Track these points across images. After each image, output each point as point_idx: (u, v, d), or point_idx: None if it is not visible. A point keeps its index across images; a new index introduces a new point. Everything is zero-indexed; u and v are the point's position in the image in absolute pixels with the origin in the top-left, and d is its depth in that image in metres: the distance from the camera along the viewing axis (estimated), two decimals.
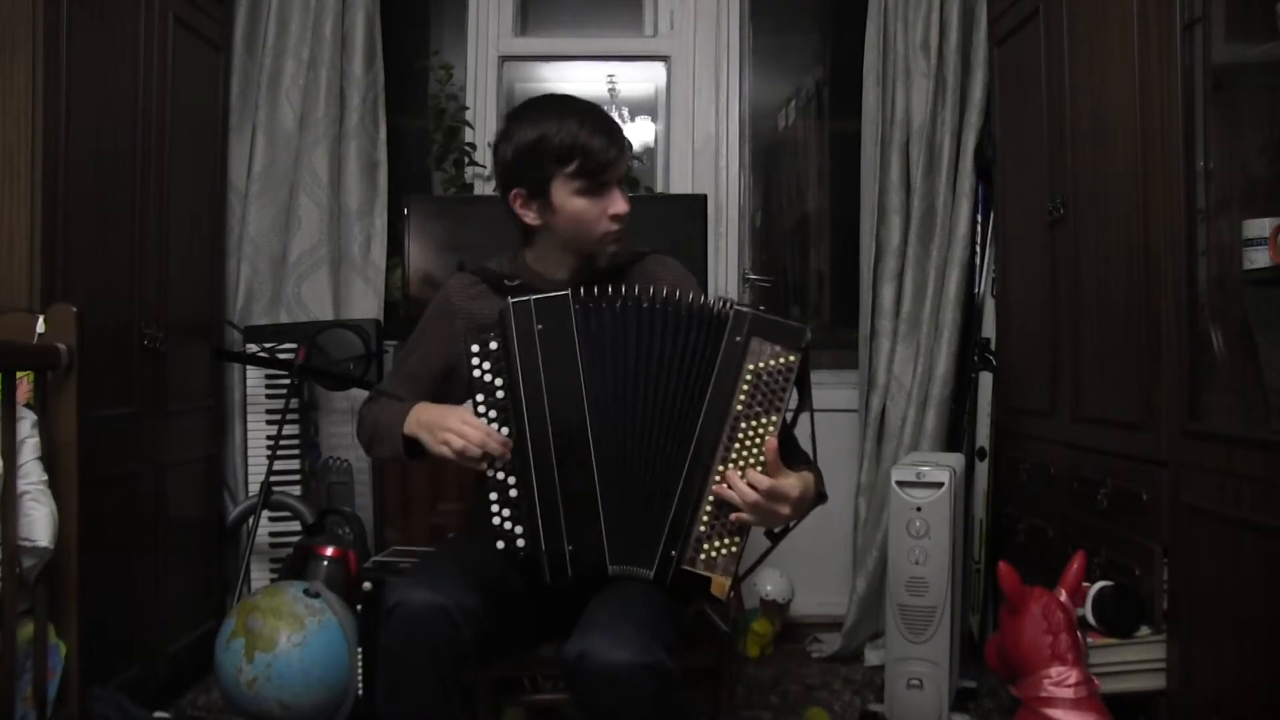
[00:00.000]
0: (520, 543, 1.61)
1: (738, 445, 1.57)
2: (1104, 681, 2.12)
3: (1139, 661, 2.16)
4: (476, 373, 1.63)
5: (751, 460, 1.57)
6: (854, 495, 3.26)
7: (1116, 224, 2.36)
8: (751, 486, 1.56)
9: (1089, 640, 2.17)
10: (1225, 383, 2.09)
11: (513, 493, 1.61)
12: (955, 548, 2.57)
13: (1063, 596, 2.16)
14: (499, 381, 1.62)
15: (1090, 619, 2.19)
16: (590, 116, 1.72)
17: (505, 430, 1.62)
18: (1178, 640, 2.12)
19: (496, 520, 1.62)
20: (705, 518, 1.58)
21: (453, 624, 1.49)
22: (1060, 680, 2.07)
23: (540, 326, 1.61)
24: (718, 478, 1.57)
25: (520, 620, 1.70)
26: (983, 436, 3.15)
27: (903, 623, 2.53)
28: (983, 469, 3.12)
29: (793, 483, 1.59)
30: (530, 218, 1.76)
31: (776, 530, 1.66)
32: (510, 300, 1.63)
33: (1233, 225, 2.08)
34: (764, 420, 1.57)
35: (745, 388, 1.56)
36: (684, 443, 1.59)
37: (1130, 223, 2.29)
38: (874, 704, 2.73)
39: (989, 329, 3.18)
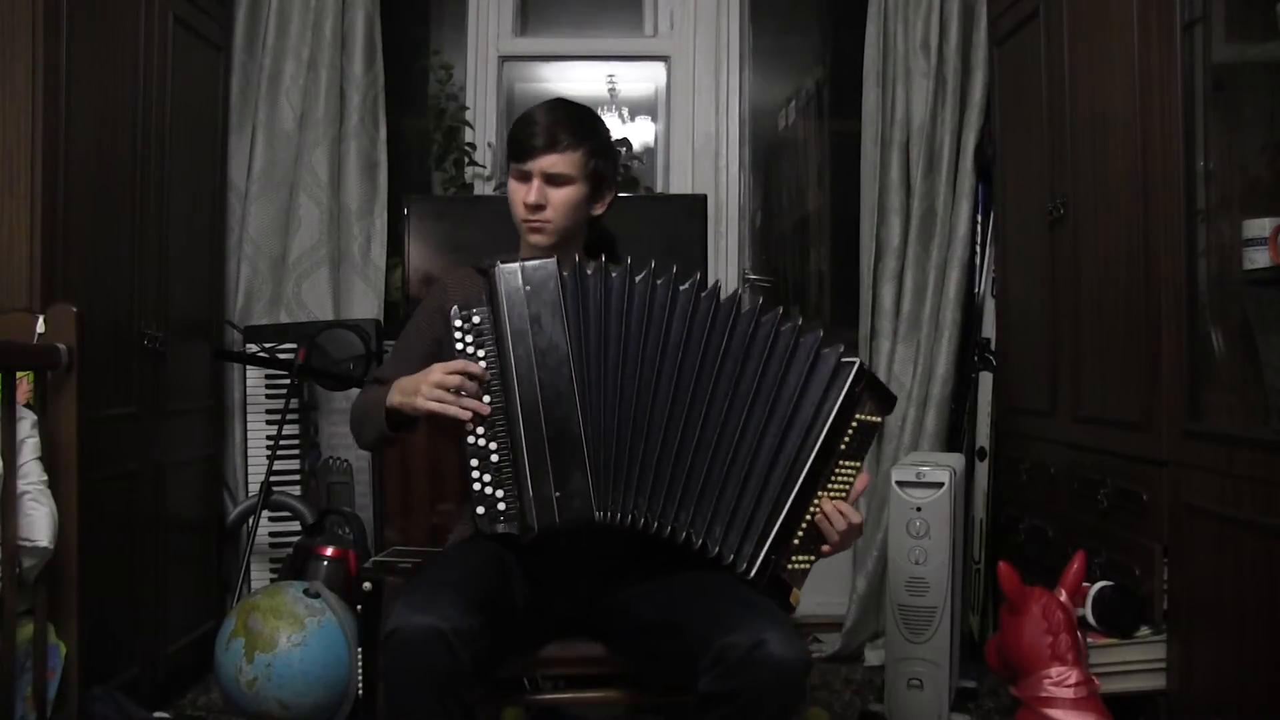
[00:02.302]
0: (501, 506, 1.63)
1: (832, 479, 1.66)
2: (1104, 681, 2.12)
3: (1139, 661, 2.16)
4: (459, 345, 1.67)
5: (839, 495, 1.68)
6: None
7: (1116, 224, 2.36)
8: (845, 517, 1.66)
9: (1089, 640, 2.17)
10: (1225, 383, 2.09)
11: (494, 458, 1.63)
12: (955, 548, 2.57)
13: (1063, 596, 2.16)
14: (480, 353, 1.66)
15: (1090, 619, 2.19)
16: (543, 110, 1.83)
17: (488, 398, 1.65)
18: (1178, 640, 2.12)
19: (477, 486, 1.63)
20: (801, 533, 1.65)
21: (450, 648, 1.47)
22: (1060, 680, 2.07)
23: (528, 288, 1.65)
24: (817, 502, 1.65)
25: (520, 629, 1.70)
26: (983, 436, 3.15)
27: (903, 623, 2.53)
28: (983, 469, 3.12)
29: (863, 484, 1.72)
30: None
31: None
32: (500, 262, 1.68)
33: (1233, 225, 2.08)
34: (853, 463, 1.68)
35: (850, 431, 1.65)
36: (793, 458, 1.63)
37: (1130, 223, 2.29)
38: (874, 704, 2.73)
39: (989, 329, 3.18)
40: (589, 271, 1.68)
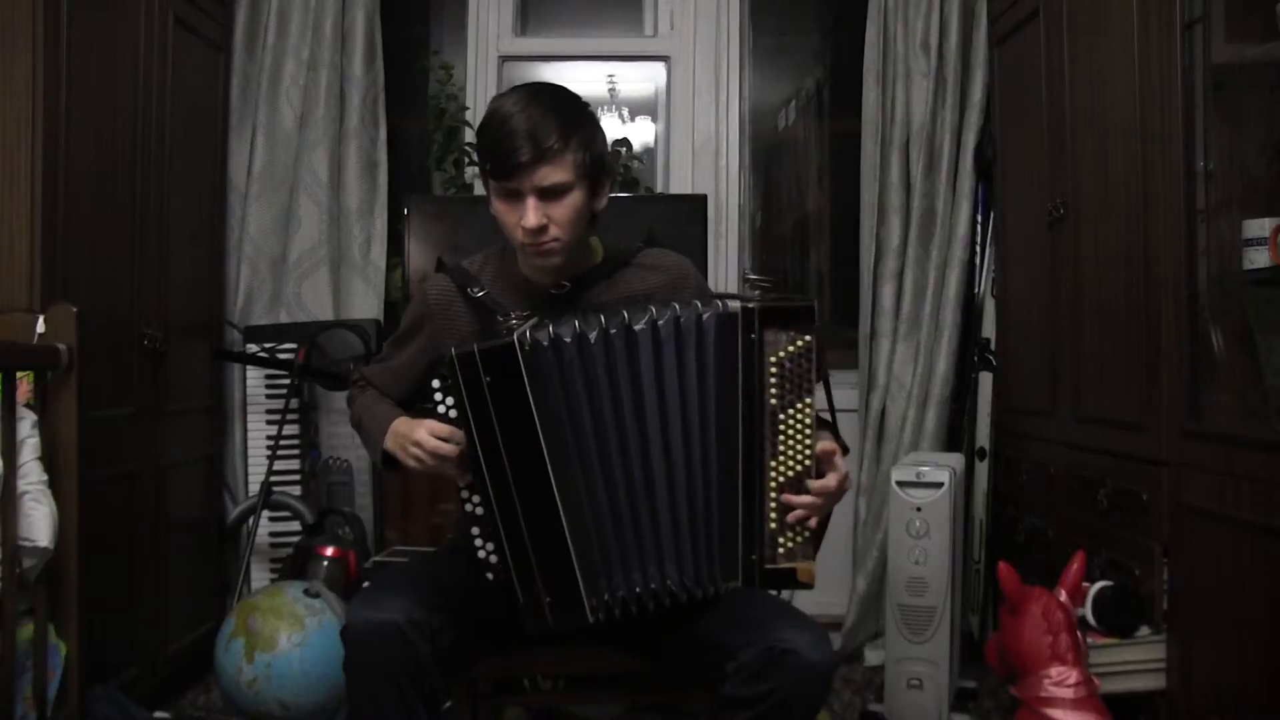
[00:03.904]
0: (505, 576, 1.57)
1: (782, 438, 1.54)
2: (1104, 681, 2.12)
3: (1139, 661, 2.16)
4: (441, 409, 1.57)
5: (799, 447, 1.54)
6: (854, 495, 3.25)
7: (1116, 224, 2.36)
8: (809, 494, 1.54)
9: (1089, 640, 2.17)
10: (1225, 383, 2.09)
11: (489, 526, 1.56)
12: (955, 548, 2.57)
13: (1063, 596, 2.16)
14: (461, 419, 1.55)
15: (1090, 619, 2.20)
16: (518, 109, 1.57)
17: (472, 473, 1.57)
18: (1178, 640, 2.12)
19: (481, 554, 1.57)
20: (773, 514, 1.55)
21: (405, 640, 1.47)
22: (1060, 680, 2.07)
23: (488, 379, 1.50)
24: (773, 475, 1.54)
25: (495, 629, 1.67)
26: (983, 436, 3.15)
27: (903, 623, 2.53)
28: (983, 469, 3.12)
29: (832, 446, 1.56)
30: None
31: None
32: (455, 351, 1.52)
33: (1233, 225, 2.09)
34: (798, 405, 1.52)
35: (773, 381, 1.51)
36: (727, 456, 1.54)
37: (1130, 223, 2.29)
38: (874, 704, 2.73)
39: (989, 329, 3.18)
40: (566, 340, 1.51)
